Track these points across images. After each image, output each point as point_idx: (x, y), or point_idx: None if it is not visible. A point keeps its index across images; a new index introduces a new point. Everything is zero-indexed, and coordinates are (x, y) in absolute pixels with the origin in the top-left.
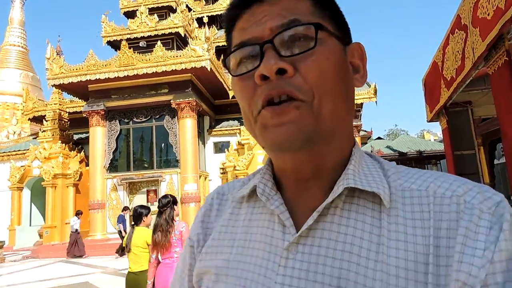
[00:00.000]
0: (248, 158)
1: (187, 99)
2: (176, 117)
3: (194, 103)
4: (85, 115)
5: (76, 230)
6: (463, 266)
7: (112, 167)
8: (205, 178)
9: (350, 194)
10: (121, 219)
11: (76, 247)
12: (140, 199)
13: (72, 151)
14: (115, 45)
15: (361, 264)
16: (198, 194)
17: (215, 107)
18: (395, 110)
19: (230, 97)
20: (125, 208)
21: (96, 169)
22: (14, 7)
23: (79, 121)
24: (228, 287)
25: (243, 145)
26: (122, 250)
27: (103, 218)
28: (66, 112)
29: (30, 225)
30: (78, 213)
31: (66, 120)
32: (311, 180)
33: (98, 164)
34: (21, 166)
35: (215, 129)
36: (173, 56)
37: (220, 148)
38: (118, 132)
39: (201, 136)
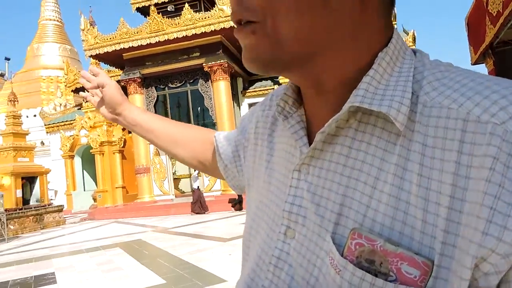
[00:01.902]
0: None
1: (218, 61)
2: (210, 80)
3: (226, 65)
4: (122, 84)
5: (198, 187)
6: (489, 235)
7: None
8: None
9: (368, 112)
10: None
11: (199, 204)
12: (181, 163)
13: None
14: (144, 11)
15: (366, 193)
16: None
17: None
18: (436, 56)
19: None
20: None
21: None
22: None
23: None
24: (263, 200)
25: None
26: (237, 204)
27: (149, 181)
28: None
29: (84, 190)
30: (196, 170)
31: None
32: (326, 94)
33: None
34: (70, 136)
35: (249, 91)
36: (202, 18)
37: None
38: (155, 99)
39: (235, 98)
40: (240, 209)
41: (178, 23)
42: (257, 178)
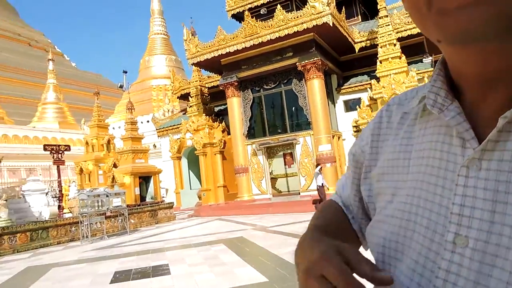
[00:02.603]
0: None
1: (312, 60)
2: (303, 79)
3: (320, 63)
4: (221, 88)
5: (322, 184)
6: None
7: (250, 134)
8: (339, 138)
9: None
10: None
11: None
12: (278, 163)
13: (215, 122)
14: (238, 17)
15: None
16: (332, 154)
17: (342, 64)
18: None
19: (357, 50)
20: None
21: (237, 136)
22: (153, 0)
23: (217, 94)
24: (402, 207)
25: (375, 99)
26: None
27: (247, 181)
28: (206, 87)
29: (190, 189)
30: (318, 166)
31: (207, 95)
32: (501, 79)
33: (237, 132)
34: (177, 139)
35: (343, 87)
36: (294, 18)
37: (350, 106)
38: (251, 101)
39: (330, 95)
40: None
41: (271, 25)
42: (392, 188)
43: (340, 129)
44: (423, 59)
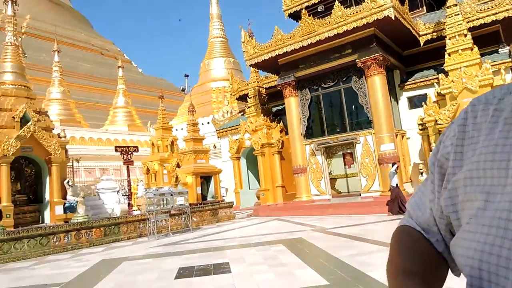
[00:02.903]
0: (452, 109)
1: (372, 56)
2: (364, 76)
3: (381, 58)
4: (279, 88)
5: (396, 184)
6: None
7: (308, 133)
8: (402, 137)
9: None
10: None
11: (397, 203)
12: (337, 163)
13: (273, 122)
14: (296, 16)
15: None
16: (396, 153)
17: (405, 59)
18: None
19: (422, 43)
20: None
21: (295, 136)
22: (212, 4)
23: (275, 94)
24: (503, 215)
25: (443, 95)
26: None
27: (306, 181)
28: (264, 88)
29: (249, 189)
30: (394, 165)
31: (265, 95)
32: None
33: (295, 132)
34: (236, 139)
35: (407, 83)
36: (353, 13)
37: (415, 102)
38: (309, 100)
39: (392, 92)
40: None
41: (329, 22)
42: (485, 193)
43: (404, 127)
44: (499, 50)
